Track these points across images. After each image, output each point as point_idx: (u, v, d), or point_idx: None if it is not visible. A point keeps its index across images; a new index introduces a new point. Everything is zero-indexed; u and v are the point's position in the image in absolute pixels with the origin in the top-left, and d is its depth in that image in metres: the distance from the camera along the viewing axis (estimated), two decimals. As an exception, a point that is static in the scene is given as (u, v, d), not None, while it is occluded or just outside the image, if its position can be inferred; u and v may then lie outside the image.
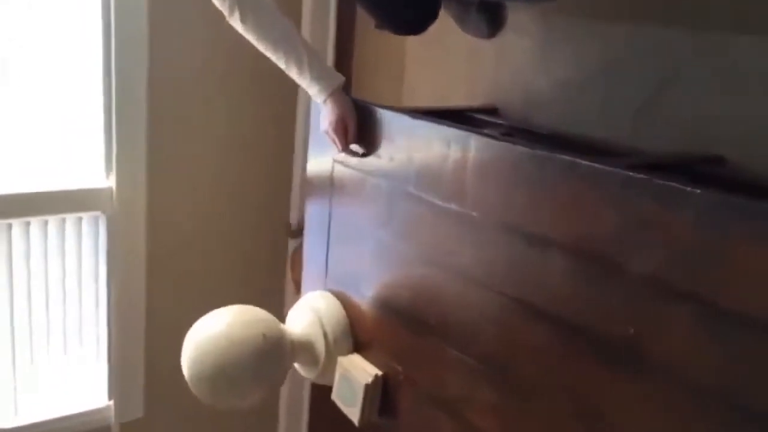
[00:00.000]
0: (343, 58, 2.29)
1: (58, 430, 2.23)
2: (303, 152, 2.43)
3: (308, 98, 1.59)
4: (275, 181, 2.49)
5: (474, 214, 1.29)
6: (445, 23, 1.86)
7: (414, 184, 1.42)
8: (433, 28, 1.66)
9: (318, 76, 1.45)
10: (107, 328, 2.26)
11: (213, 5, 1.40)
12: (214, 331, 1.51)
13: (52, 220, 2.11)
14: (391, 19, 1.59)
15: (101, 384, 2.31)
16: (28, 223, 2.07)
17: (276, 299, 2.57)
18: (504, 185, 1.23)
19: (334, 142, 1.50)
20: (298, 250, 2.42)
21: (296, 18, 2.28)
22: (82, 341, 2.25)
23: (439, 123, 1.38)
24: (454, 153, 1.32)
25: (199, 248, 2.38)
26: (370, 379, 1.53)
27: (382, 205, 1.51)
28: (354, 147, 1.52)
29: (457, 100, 1.93)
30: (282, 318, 1.66)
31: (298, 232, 2.50)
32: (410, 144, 1.43)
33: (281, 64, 1.45)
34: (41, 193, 2.06)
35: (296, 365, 1.67)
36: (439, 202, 1.36)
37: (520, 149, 1.19)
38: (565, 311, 1.12)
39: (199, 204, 2.35)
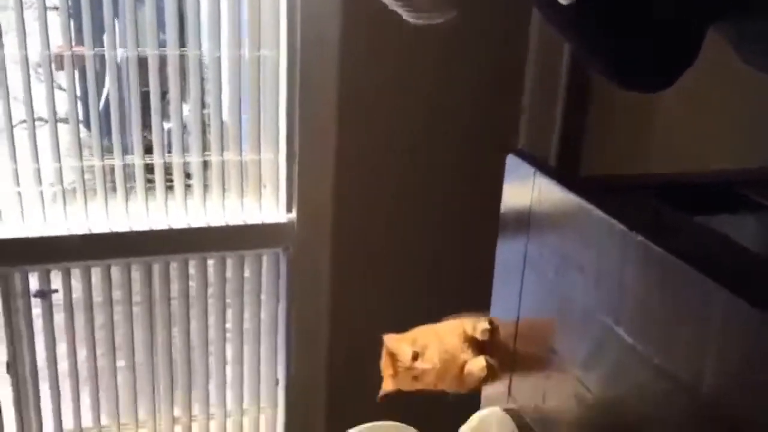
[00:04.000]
0: (574, 122, 1.81)
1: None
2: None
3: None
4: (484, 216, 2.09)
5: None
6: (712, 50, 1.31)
7: (621, 322, 0.96)
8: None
9: None
10: (286, 374, 2.07)
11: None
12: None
13: (231, 257, 1.93)
14: (627, 68, 1.03)
15: (279, 428, 2.14)
16: (204, 259, 1.92)
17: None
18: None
19: None
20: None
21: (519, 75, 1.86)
22: (260, 387, 2.08)
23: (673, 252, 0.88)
24: (687, 304, 0.84)
25: (388, 290, 2.07)
26: None
27: (580, 337, 1.06)
28: None
29: (724, 163, 1.37)
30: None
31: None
32: (621, 261, 0.96)
33: None
34: (219, 227, 1.89)
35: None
36: (659, 365, 0.89)
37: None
38: None
39: (389, 239, 2.03)
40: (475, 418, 1.33)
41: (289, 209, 1.92)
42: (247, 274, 1.96)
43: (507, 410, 1.29)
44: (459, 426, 1.34)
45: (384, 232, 2.01)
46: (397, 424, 1.27)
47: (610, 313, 0.98)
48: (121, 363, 1.96)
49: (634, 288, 0.93)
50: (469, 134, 1.96)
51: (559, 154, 1.89)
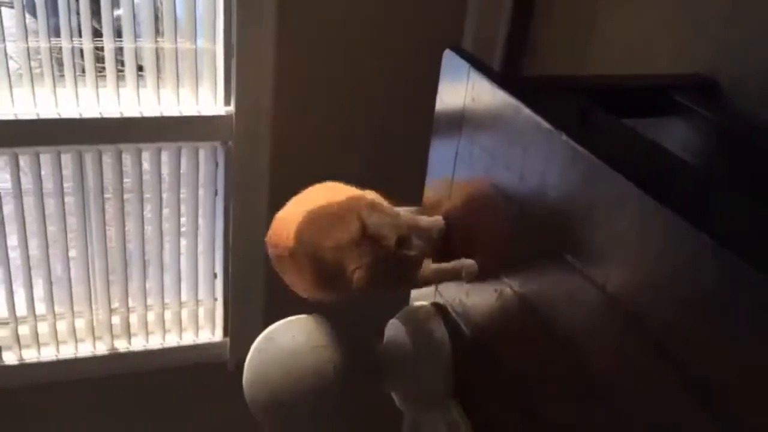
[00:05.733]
0: (518, 27, 1.75)
1: (171, 360, 2.14)
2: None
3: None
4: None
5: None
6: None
7: (539, 219, 0.97)
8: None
9: None
10: (223, 264, 2.07)
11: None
12: (275, 354, 1.21)
13: (167, 148, 1.89)
14: None
15: (217, 320, 2.16)
16: (139, 150, 1.87)
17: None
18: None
19: None
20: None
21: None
22: (198, 281, 2.09)
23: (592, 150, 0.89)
24: (599, 190, 0.85)
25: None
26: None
27: (505, 237, 1.08)
28: None
29: (664, 63, 1.37)
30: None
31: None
32: (545, 159, 0.96)
33: None
34: (154, 118, 1.83)
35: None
36: (572, 263, 0.91)
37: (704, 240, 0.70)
38: None
39: (330, 134, 2.00)
40: (403, 313, 1.36)
41: (227, 102, 1.87)
42: (183, 166, 1.93)
43: (434, 304, 1.33)
44: (387, 321, 1.37)
45: (325, 127, 1.99)
46: (319, 317, 1.28)
47: (532, 212, 1.00)
48: (55, 252, 1.93)
49: (554, 186, 0.95)
50: (414, 30, 1.92)
51: (503, 58, 1.86)
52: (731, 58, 1.27)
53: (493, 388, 1.16)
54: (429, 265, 1.15)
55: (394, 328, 1.33)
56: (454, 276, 1.15)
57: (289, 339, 1.22)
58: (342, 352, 1.21)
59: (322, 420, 1.21)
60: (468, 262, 1.14)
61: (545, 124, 0.96)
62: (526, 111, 1.00)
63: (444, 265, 1.16)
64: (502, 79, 1.07)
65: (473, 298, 1.20)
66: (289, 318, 1.29)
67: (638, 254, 0.80)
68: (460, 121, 1.19)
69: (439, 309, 1.31)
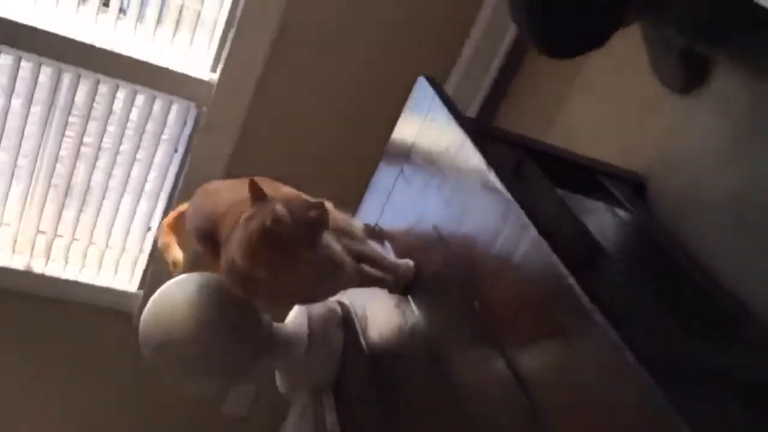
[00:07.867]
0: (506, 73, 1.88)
1: (80, 295, 2.16)
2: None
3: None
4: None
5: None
6: (630, 62, 1.43)
7: (452, 244, 1.06)
8: (615, 64, 1.23)
9: None
10: (159, 224, 2.12)
11: None
12: (174, 294, 1.26)
13: (143, 93, 1.95)
14: (547, 31, 1.18)
15: (137, 272, 2.20)
16: (117, 86, 1.92)
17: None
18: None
19: None
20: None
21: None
22: (131, 228, 2.13)
23: (504, 181, 0.98)
24: (507, 232, 0.95)
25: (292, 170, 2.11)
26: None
27: (423, 257, 1.16)
28: None
29: (610, 154, 1.49)
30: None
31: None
32: (466, 189, 1.06)
33: None
34: (141, 61, 1.89)
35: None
36: (467, 283, 1.00)
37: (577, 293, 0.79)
38: None
39: (306, 124, 2.07)
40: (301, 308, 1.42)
41: (213, 69, 1.94)
42: (153, 115, 1.98)
43: (339, 303, 1.40)
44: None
45: (304, 118, 2.04)
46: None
47: (449, 236, 1.09)
48: (3, 156, 1.96)
49: (472, 217, 1.04)
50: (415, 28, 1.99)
51: (480, 109, 1.97)
52: (664, 165, 1.40)
53: (367, 390, 1.22)
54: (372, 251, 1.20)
55: (298, 313, 1.39)
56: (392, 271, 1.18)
57: (191, 289, 1.26)
58: (230, 316, 1.25)
59: (202, 372, 1.25)
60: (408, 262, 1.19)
61: (481, 163, 1.05)
62: (469, 145, 1.09)
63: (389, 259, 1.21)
64: (457, 114, 1.16)
65: (374, 307, 1.27)
66: (203, 273, 1.34)
67: (517, 282, 0.90)
68: (411, 144, 1.28)
69: (343, 308, 1.38)
